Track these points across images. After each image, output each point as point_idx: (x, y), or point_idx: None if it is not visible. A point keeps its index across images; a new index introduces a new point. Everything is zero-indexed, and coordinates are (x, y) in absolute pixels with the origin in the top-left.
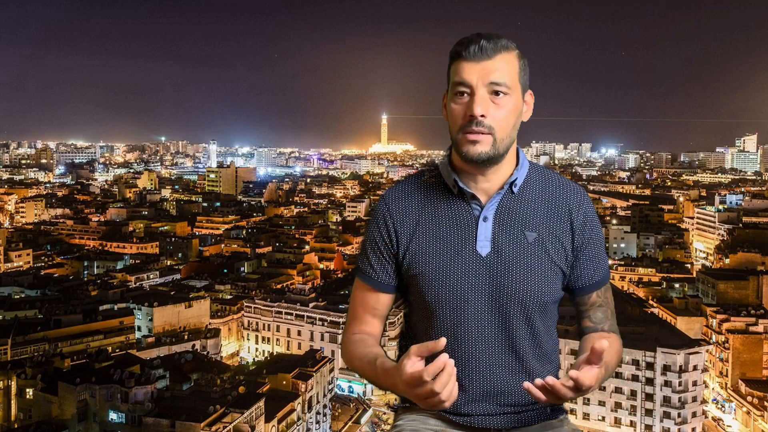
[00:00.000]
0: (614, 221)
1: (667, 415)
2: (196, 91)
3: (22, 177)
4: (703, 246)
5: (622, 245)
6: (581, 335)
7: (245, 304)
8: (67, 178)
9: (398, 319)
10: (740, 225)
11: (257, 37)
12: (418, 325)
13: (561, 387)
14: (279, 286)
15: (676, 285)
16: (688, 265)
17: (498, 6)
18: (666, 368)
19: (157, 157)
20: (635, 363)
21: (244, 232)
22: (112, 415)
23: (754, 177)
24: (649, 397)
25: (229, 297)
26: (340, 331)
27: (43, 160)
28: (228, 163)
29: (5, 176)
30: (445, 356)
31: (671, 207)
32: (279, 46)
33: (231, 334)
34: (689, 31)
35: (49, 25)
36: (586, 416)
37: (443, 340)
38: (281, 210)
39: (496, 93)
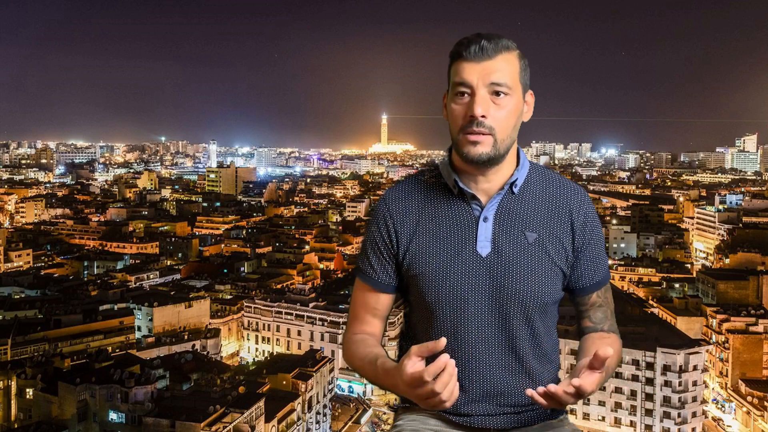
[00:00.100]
0: (614, 221)
1: (667, 415)
2: (196, 91)
3: (22, 177)
4: (703, 246)
5: (622, 245)
6: (581, 335)
7: (245, 304)
8: (67, 178)
9: (398, 319)
10: (740, 225)
11: (257, 37)
12: (418, 326)
13: (562, 394)
14: (279, 286)
15: (676, 285)
16: (688, 265)
17: (498, 6)
18: (666, 368)
19: (157, 157)
20: (635, 363)
21: (244, 232)
22: (112, 415)
23: (754, 177)
24: (649, 397)
25: (229, 297)
26: (340, 331)
27: (43, 160)
28: (228, 163)
29: (5, 176)
30: (446, 356)
31: (671, 207)
32: (279, 46)
33: (231, 334)
34: (689, 31)
35: (49, 25)
36: (586, 416)
37: (444, 341)
38: (281, 210)
39: (497, 93)
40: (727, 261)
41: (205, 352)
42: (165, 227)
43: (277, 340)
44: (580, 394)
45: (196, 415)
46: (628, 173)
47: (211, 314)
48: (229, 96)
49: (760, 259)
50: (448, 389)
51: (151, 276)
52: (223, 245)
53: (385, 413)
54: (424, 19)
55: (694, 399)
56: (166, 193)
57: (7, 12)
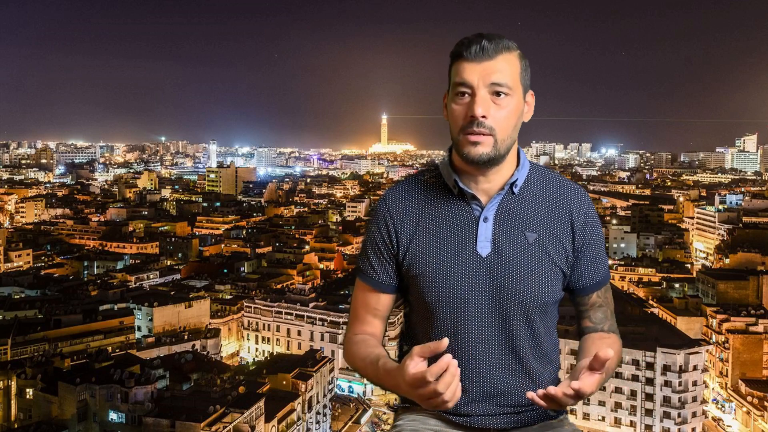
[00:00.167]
0: (614, 221)
1: (667, 415)
2: (196, 91)
3: (22, 177)
4: (703, 246)
5: (622, 245)
6: (581, 335)
7: (245, 304)
8: (67, 178)
9: (398, 319)
10: (740, 225)
11: (257, 37)
12: (418, 326)
13: (562, 396)
14: (279, 286)
15: (676, 285)
16: (688, 265)
17: (498, 6)
18: (666, 368)
19: (157, 157)
20: (635, 363)
21: (244, 232)
22: (112, 415)
23: (754, 177)
24: (649, 397)
25: (229, 297)
26: (340, 331)
27: (43, 160)
28: (228, 163)
29: (5, 176)
30: (448, 356)
31: (671, 207)
32: (279, 46)
33: (231, 334)
34: (689, 31)
35: (49, 25)
36: (586, 416)
37: (446, 341)
38: (281, 210)
39: (498, 94)
40: (727, 261)
41: (205, 352)
42: (165, 227)
43: (277, 340)
44: (579, 396)
45: (196, 415)
46: (628, 173)
47: (211, 314)
48: (229, 96)
49: (760, 259)
50: (451, 389)
51: (151, 276)
52: (223, 245)
53: (385, 413)
54: (424, 19)
55: (694, 399)
56: (166, 193)
57: (7, 12)
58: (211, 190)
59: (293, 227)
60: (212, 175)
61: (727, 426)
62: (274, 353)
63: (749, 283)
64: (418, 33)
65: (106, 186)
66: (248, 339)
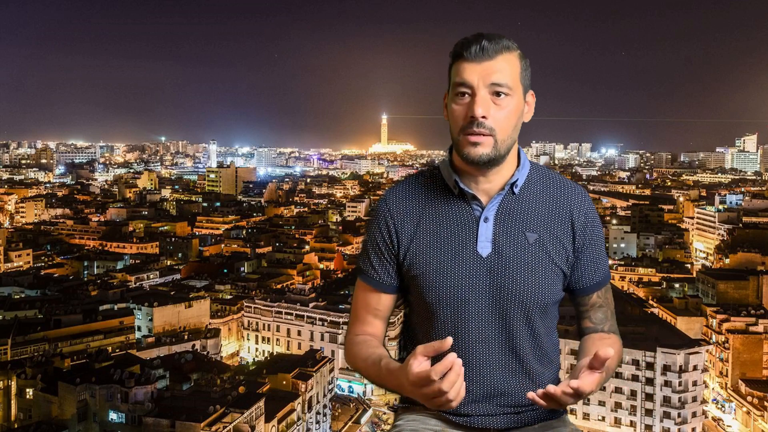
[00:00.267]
0: (614, 221)
1: (667, 415)
2: (196, 91)
3: (22, 177)
4: (703, 246)
5: (622, 245)
6: (581, 336)
7: (245, 304)
8: (67, 178)
9: (398, 319)
10: (740, 225)
11: (257, 37)
12: (418, 326)
13: (561, 395)
14: (279, 286)
15: (676, 285)
16: (688, 265)
17: (498, 6)
18: (666, 368)
19: (157, 157)
20: (635, 363)
21: (244, 232)
22: (112, 415)
23: (754, 177)
24: (649, 397)
25: (229, 297)
26: (340, 331)
27: (43, 160)
28: (228, 163)
29: (5, 176)
30: (453, 355)
31: (671, 207)
32: (279, 46)
33: (231, 334)
34: (689, 31)
35: (49, 25)
36: (586, 416)
37: (450, 340)
38: (281, 210)
39: (498, 94)
40: (727, 261)
41: (205, 352)
42: (165, 227)
43: (277, 340)
44: (579, 395)
45: (196, 415)
46: (628, 173)
47: (211, 314)
48: (229, 96)
49: (760, 259)
50: (455, 388)
51: (151, 276)
52: (223, 245)
53: (385, 413)
54: (424, 19)
55: (694, 399)
56: (166, 193)
57: (7, 12)
58: (211, 190)
59: (293, 227)
60: (212, 175)
61: (727, 426)
62: (274, 353)
63: (749, 283)
64: (418, 33)
65: (106, 186)
66: (248, 339)
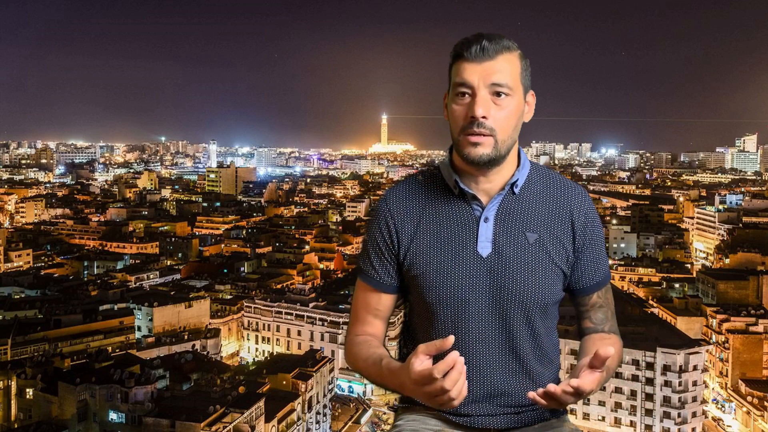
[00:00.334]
0: (614, 221)
1: (667, 415)
2: (196, 91)
3: (22, 177)
4: (703, 246)
5: (622, 245)
6: (581, 336)
7: (245, 304)
8: (67, 178)
9: (398, 319)
10: (740, 225)
11: (257, 37)
12: (418, 326)
13: (561, 394)
14: (279, 286)
15: (676, 285)
16: (688, 265)
17: (498, 6)
18: (666, 368)
19: (157, 157)
20: (635, 363)
21: (244, 232)
22: (112, 415)
23: (754, 177)
24: (649, 397)
25: (229, 297)
26: (340, 331)
27: (43, 160)
28: (228, 163)
29: (5, 176)
30: (455, 353)
31: (671, 207)
32: (279, 46)
33: (231, 334)
34: (689, 31)
35: (49, 25)
36: (586, 416)
37: (452, 339)
38: (281, 210)
39: (498, 94)
40: (727, 261)
41: (205, 352)
42: (165, 227)
43: (277, 340)
44: (579, 394)
45: (196, 415)
46: (628, 173)
47: (211, 314)
48: (229, 96)
49: (760, 259)
50: (458, 387)
51: (151, 276)
52: (223, 245)
53: (385, 413)
54: (424, 19)
55: (694, 399)
56: (166, 193)
57: (7, 12)
58: (211, 190)
59: (293, 227)
60: (212, 175)
61: (727, 426)
62: (274, 353)
63: (749, 283)
64: (418, 33)
65: (106, 186)
66: (248, 339)
